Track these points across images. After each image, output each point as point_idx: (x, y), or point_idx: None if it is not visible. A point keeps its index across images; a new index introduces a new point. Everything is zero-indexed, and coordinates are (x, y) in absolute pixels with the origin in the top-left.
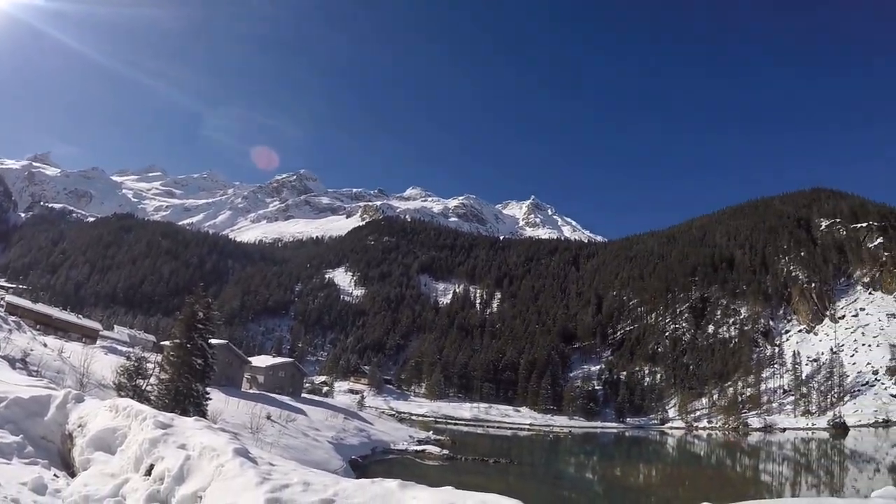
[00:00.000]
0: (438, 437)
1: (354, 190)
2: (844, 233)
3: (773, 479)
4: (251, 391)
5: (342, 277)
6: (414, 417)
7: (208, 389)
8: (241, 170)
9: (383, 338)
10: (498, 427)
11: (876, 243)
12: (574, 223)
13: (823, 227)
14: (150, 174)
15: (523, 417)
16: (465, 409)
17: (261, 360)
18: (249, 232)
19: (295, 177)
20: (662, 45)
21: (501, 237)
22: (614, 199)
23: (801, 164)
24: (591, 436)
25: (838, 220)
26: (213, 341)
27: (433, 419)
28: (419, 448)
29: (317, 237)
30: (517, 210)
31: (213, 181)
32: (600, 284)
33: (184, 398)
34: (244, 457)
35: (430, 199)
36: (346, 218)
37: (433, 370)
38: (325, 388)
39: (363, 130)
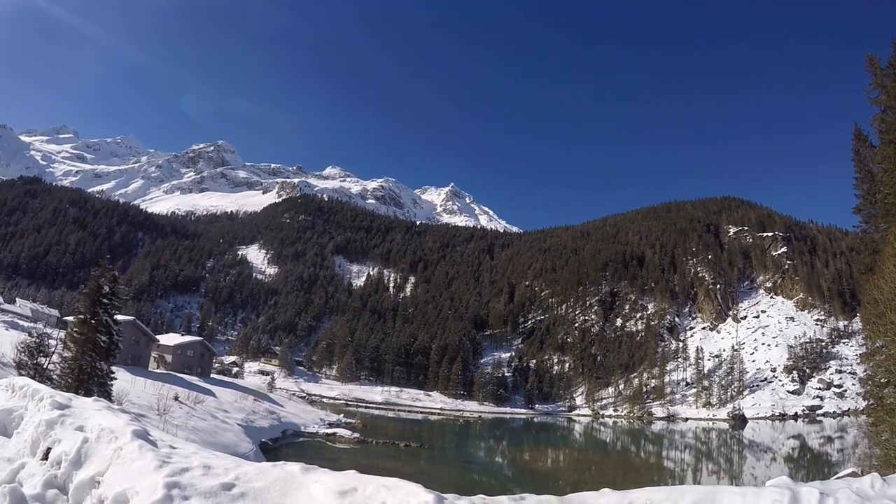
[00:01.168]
0: (349, 421)
1: (273, 165)
2: (751, 240)
3: (676, 465)
4: (159, 371)
5: (255, 255)
6: (325, 400)
7: (114, 368)
8: (157, 136)
9: (295, 318)
10: (409, 411)
11: (780, 252)
12: (491, 212)
13: (731, 233)
14: (61, 136)
15: (434, 402)
16: (376, 393)
17: (169, 339)
18: (162, 203)
19: (212, 148)
20: (595, 47)
21: (418, 222)
22: (532, 193)
23: (714, 173)
24: (501, 421)
25: (746, 227)
26: (120, 317)
27: (344, 402)
28: (330, 431)
29: (231, 212)
30: (436, 196)
31: (127, 147)
32: (513, 274)
33: (87, 377)
34: (143, 439)
35: (349, 179)
36: (263, 194)
37: (345, 352)
38: (235, 369)
39: (285, 102)
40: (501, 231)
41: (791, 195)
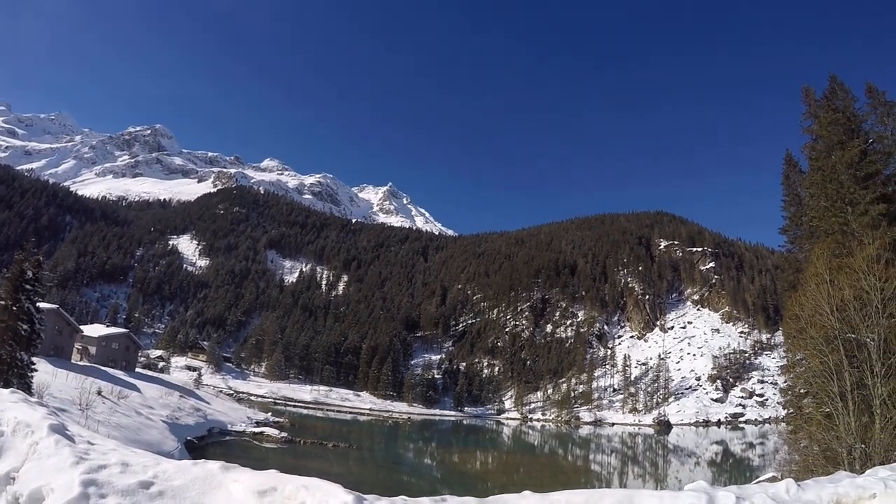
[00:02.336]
0: (277, 420)
1: (210, 154)
2: (681, 254)
3: (603, 469)
4: (82, 363)
5: (187, 245)
6: (253, 398)
7: (35, 359)
8: (92, 115)
9: (225, 313)
10: (338, 411)
11: (708, 266)
12: (427, 214)
13: (662, 246)
14: None
15: (363, 402)
16: (305, 392)
17: (94, 330)
18: (93, 186)
19: (149, 131)
20: (539, 57)
21: (354, 220)
22: (469, 197)
23: (649, 189)
24: (430, 423)
25: (676, 242)
26: (43, 305)
27: (272, 400)
28: (257, 430)
29: (165, 200)
30: (373, 195)
31: (61, 124)
32: (447, 277)
33: (7, 368)
34: (61, 434)
35: (286, 172)
36: (198, 182)
37: (274, 350)
38: (161, 364)
39: (226, 89)
40: (437, 233)
41: (721, 213)
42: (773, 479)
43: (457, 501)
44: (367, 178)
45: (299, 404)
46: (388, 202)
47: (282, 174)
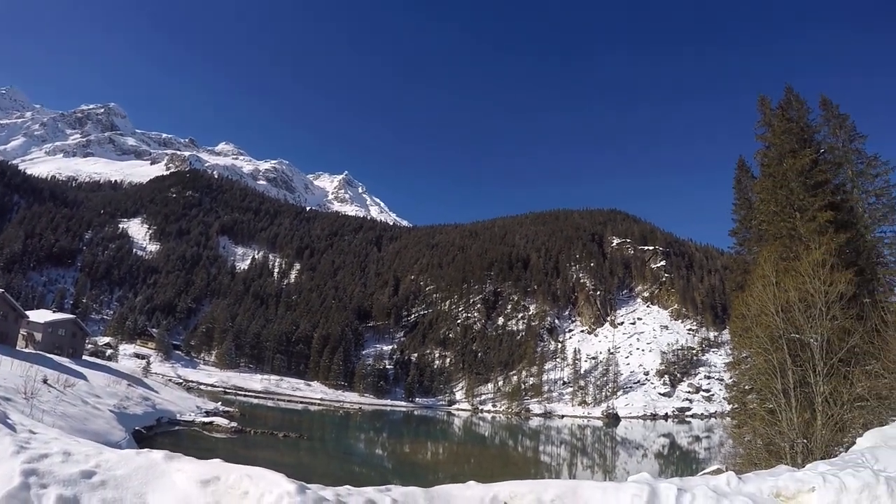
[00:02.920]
0: (227, 409)
1: (164, 135)
2: (632, 252)
3: (552, 459)
4: (27, 350)
5: (137, 229)
6: (202, 387)
7: None
8: (44, 91)
9: (175, 300)
10: (288, 400)
11: (659, 265)
12: (382, 204)
13: (615, 244)
14: None
15: (314, 392)
16: (255, 381)
17: (40, 315)
18: (43, 165)
19: (103, 109)
20: (499, 53)
21: (308, 208)
22: (425, 189)
23: (603, 187)
24: (381, 413)
25: (629, 240)
26: None
27: (222, 389)
28: (207, 420)
29: (116, 181)
30: (328, 183)
31: (11, 99)
32: (400, 267)
33: None
34: (2, 423)
35: (241, 157)
36: (151, 164)
37: (224, 338)
38: (109, 351)
39: (181, 69)
40: (391, 224)
41: (673, 214)
42: (717, 472)
43: (401, 491)
44: (323, 166)
45: (250, 394)
46: (343, 191)
47: (237, 159)
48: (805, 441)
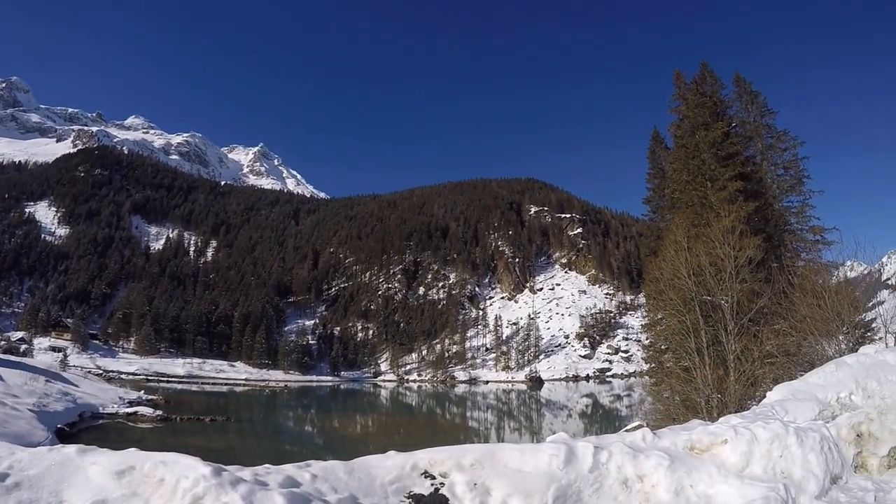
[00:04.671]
0: (151, 397)
1: (70, 110)
2: (550, 220)
3: (480, 425)
4: None
5: (45, 213)
6: (124, 376)
7: None
8: None
9: (88, 286)
10: (213, 383)
11: (576, 232)
12: (299, 176)
13: (533, 212)
14: None
15: (238, 372)
16: (178, 366)
17: None
18: None
19: (4, 84)
20: (417, 23)
21: (223, 182)
22: (342, 158)
23: (521, 156)
24: (308, 389)
25: (546, 208)
26: None
27: (144, 377)
28: (131, 410)
29: (20, 162)
30: (243, 156)
31: None
32: (318, 240)
33: None
34: None
35: (152, 131)
36: (57, 142)
37: (143, 323)
38: (24, 347)
39: (86, 34)
40: (308, 196)
41: (590, 182)
42: (638, 427)
43: (321, 466)
44: (238, 138)
45: (173, 379)
46: (258, 163)
47: (147, 132)
48: (719, 396)
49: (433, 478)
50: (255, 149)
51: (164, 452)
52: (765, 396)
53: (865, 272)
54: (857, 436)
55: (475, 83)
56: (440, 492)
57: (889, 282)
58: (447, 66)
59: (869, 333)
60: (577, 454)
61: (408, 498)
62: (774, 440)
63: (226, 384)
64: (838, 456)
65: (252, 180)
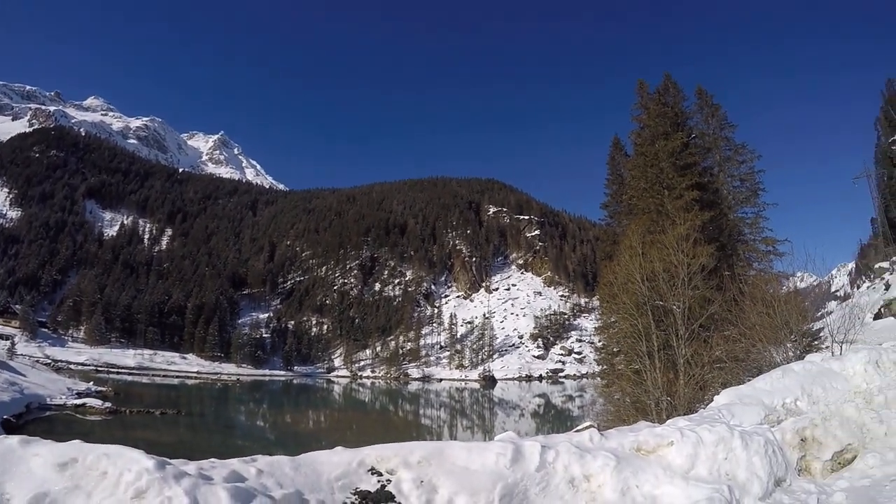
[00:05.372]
0: (101, 389)
1: (28, 87)
2: (508, 221)
3: (433, 422)
4: None
5: None
6: (73, 366)
7: None
8: None
9: (38, 271)
10: (164, 375)
11: (533, 234)
12: (259, 167)
13: (491, 212)
14: None
15: (190, 365)
16: (128, 357)
17: None
18: None
19: None
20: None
21: (181, 169)
22: (303, 150)
23: (483, 156)
24: (260, 384)
25: (505, 209)
26: None
27: (94, 368)
28: (80, 402)
29: None
30: (203, 143)
31: None
32: (276, 232)
33: None
34: None
35: (111, 113)
36: (13, 120)
37: (94, 312)
38: None
39: (44, 13)
40: (267, 187)
41: (549, 185)
42: (589, 427)
43: (267, 461)
44: (199, 125)
45: (123, 371)
46: (218, 151)
47: (106, 114)
48: (669, 399)
49: (380, 475)
50: (216, 137)
51: (107, 445)
52: (712, 400)
53: (815, 283)
54: (802, 440)
55: (439, 81)
56: (386, 489)
57: (837, 293)
58: (410, 63)
59: (816, 342)
60: (524, 453)
61: (354, 494)
62: (720, 443)
63: (177, 377)
64: (782, 459)
65: (211, 168)
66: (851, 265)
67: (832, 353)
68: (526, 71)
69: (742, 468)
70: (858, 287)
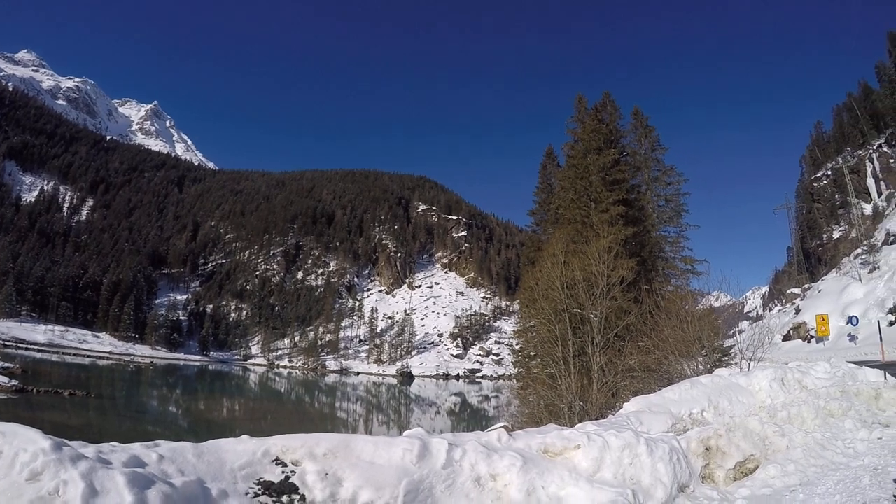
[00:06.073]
0: (7, 365)
1: None
2: (437, 219)
3: (349, 416)
4: None
5: None
6: None
7: None
8: None
9: None
10: (75, 354)
11: (460, 234)
12: (189, 141)
13: (420, 209)
14: None
15: (103, 344)
16: (38, 332)
17: None
18: None
19: None
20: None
21: (109, 137)
22: (237, 129)
23: (417, 153)
24: (175, 368)
25: (434, 208)
26: None
27: (2, 342)
28: None
29: None
30: (135, 112)
31: None
32: (200, 212)
33: None
34: None
35: (42, 70)
36: None
37: (4, 282)
38: None
39: None
40: (196, 164)
41: (480, 187)
42: (504, 428)
43: (169, 447)
44: (133, 92)
45: (32, 347)
46: (149, 122)
47: (37, 71)
48: (582, 404)
49: (285, 465)
50: (149, 106)
51: (3, 423)
52: (622, 407)
53: (730, 303)
54: (706, 449)
55: (380, 78)
56: (290, 480)
57: (751, 314)
58: (352, 58)
59: (726, 358)
60: (431, 450)
61: (257, 485)
62: (625, 448)
63: (88, 356)
64: (687, 466)
65: (140, 139)
66: (765, 289)
67: (741, 369)
68: (468, 75)
69: (647, 473)
70: (770, 309)
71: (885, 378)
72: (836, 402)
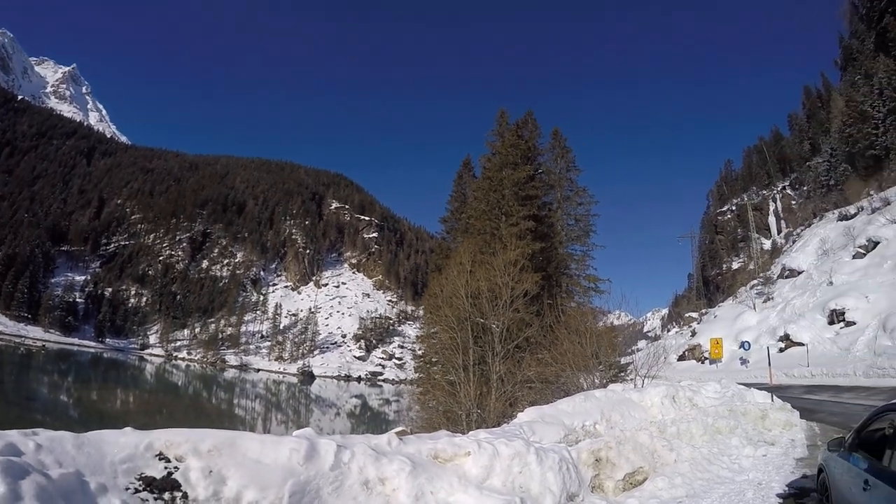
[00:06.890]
0: None
1: None
2: (349, 219)
3: (247, 413)
4: None
5: None
6: None
7: None
8: None
9: None
10: None
11: (371, 235)
12: (104, 111)
13: (333, 207)
14: None
15: None
16: None
17: None
18: None
19: None
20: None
21: (21, 97)
22: (156, 103)
23: (335, 149)
24: (68, 353)
25: (347, 206)
26: None
27: None
28: None
29: None
30: (51, 73)
31: None
32: (108, 188)
33: None
34: None
35: None
36: None
37: None
38: None
39: None
40: (108, 136)
41: (395, 189)
42: (403, 432)
43: (48, 436)
44: (52, 52)
45: None
46: (65, 86)
47: None
48: (480, 411)
49: (168, 461)
50: (67, 69)
51: None
52: (516, 416)
53: (631, 322)
54: (597, 460)
55: (302, 66)
56: (173, 476)
57: (649, 334)
58: (283, 42)
59: (622, 374)
60: (318, 451)
61: (139, 480)
62: (516, 457)
63: None
64: (576, 476)
65: (53, 103)
66: (665, 311)
67: (635, 385)
68: (397, 80)
69: (536, 482)
70: (668, 331)
71: (772, 400)
72: (724, 420)
